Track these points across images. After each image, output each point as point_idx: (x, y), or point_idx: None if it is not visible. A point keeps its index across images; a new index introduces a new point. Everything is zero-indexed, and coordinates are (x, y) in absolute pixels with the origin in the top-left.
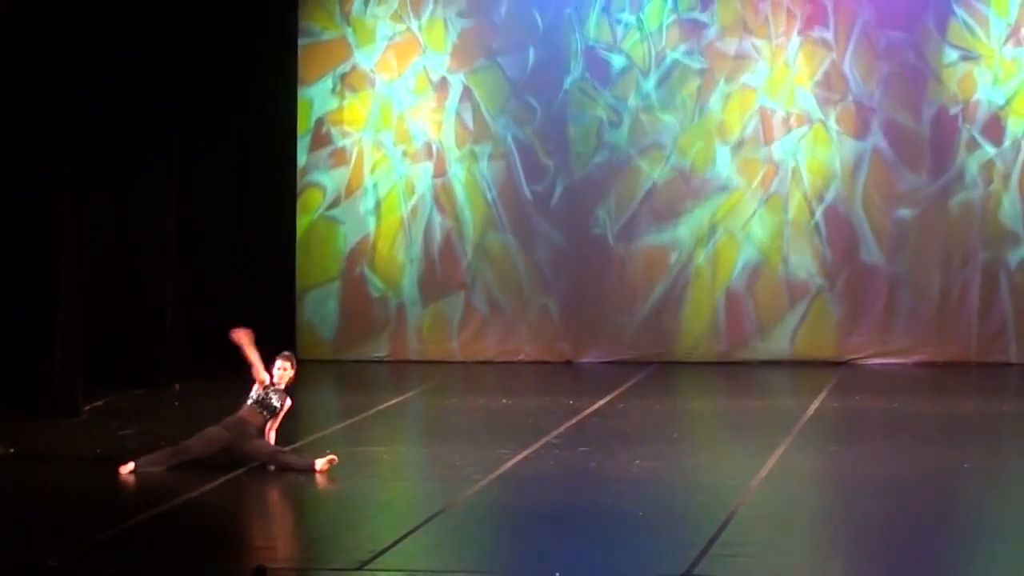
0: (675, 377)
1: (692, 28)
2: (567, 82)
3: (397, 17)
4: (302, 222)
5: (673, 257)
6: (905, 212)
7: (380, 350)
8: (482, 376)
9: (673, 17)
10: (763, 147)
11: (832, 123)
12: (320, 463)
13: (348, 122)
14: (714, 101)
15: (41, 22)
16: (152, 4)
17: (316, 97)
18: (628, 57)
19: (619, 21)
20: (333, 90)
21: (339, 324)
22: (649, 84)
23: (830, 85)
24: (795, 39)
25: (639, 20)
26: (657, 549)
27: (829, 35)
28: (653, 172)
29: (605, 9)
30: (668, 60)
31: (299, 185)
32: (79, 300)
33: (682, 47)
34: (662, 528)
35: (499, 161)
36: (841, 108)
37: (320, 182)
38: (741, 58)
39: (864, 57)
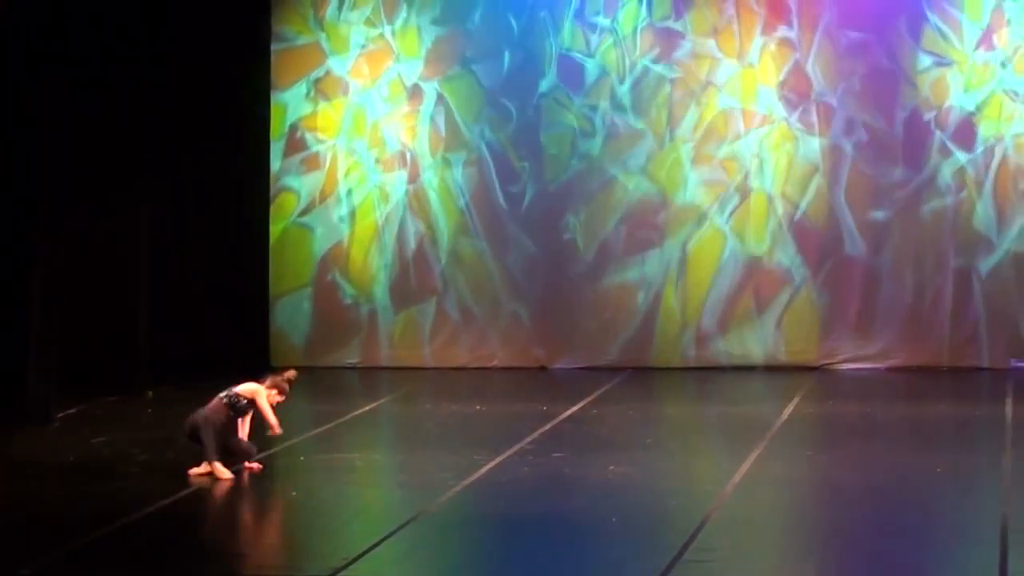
0: (649, 383)
1: (666, 36)
2: (542, 86)
3: (371, 23)
4: (275, 228)
5: (647, 263)
6: (878, 216)
7: (352, 357)
8: (455, 382)
9: (647, 23)
10: (727, 146)
11: (798, 124)
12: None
13: (322, 128)
14: (686, 106)
15: (10, 30)
16: (125, 10)
17: (290, 102)
18: (601, 65)
19: (593, 27)
20: (307, 95)
21: (310, 330)
22: (623, 90)
23: (796, 86)
24: (758, 40)
25: (613, 26)
26: (630, 555)
27: (793, 35)
28: (627, 181)
29: (579, 15)
30: (640, 67)
31: (272, 190)
32: (52, 308)
33: (654, 54)
34: (635, 534)
35: (472, 168)
36: (805, 109)
37: (293, 187)
38: (710, 61)
39: (832, 59)
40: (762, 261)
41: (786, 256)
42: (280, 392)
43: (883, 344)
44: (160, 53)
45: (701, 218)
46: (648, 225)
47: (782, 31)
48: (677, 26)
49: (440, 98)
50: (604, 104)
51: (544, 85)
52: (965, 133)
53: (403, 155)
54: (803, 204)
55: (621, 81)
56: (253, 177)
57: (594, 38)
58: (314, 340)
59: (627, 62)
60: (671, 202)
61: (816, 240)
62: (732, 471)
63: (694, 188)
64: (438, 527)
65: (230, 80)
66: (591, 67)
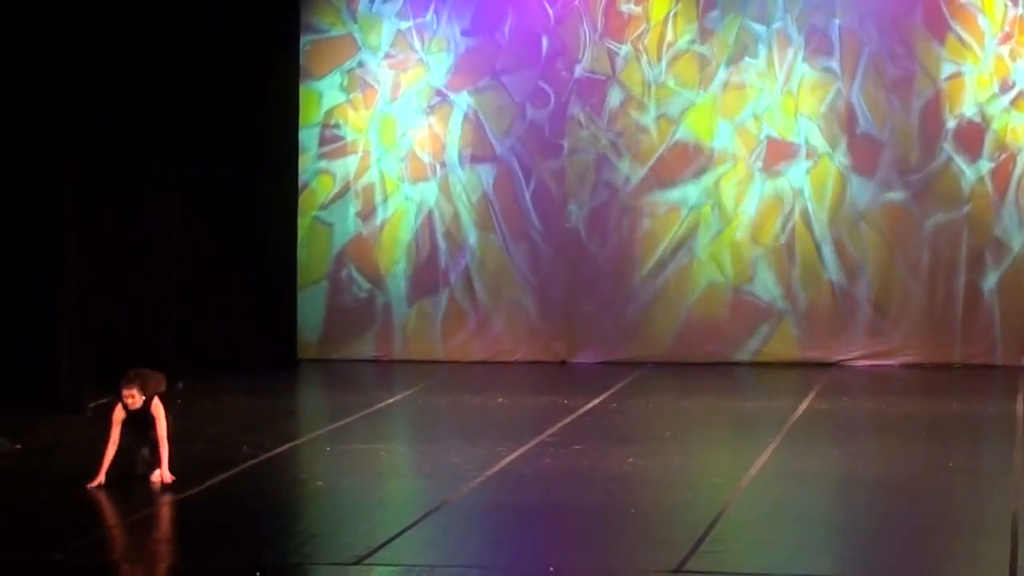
0: (667, 377)
1: (688, 58)
2: (569, 103)
3: (403, 16)
4: (303, 221)
5: (666, 261)
6: (893, 220)
7: (368, 350)
8: (477, 376)
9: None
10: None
11: (840, 155)
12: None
13: (353, 119)
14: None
15: (42, 24)
16: (155, 2)
17: (324, 91)
18: (624, 86)
19: (616, 51)
20: (340, 85)
21: (325, 324)
22: (649, 110)
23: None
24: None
25: (636, 48)
26: (648, 546)
27: (762, 64)
28: (649, 191)
29: (602, 34)
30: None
31: (306, 176)
32: (85, 301)
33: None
34: (653, 526)
35: (491, 166)
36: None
37: (326, 172)
38: (734, 87)
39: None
40: (781, 258)
41: (806, 254)
42: (137, 391)
43: (897, 341)
44: (189, 46)
45: (726, 221)
46: (669, 227)
47: (749, 64)
48: (703, 50)
49: (464, 100)
50: (626, 122)
51: (571, 103)
52: (978, 143)
53: (424, 152)
54: (822, 209)
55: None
56: (281, 168)
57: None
58: (329, 333)
59: (652, 81)
60: (702, 206)
61: (833, 239)
62: (748, 465)
63: (731, 199)
64: (461, 516)
65: (259, 72)
66: (614, 91)
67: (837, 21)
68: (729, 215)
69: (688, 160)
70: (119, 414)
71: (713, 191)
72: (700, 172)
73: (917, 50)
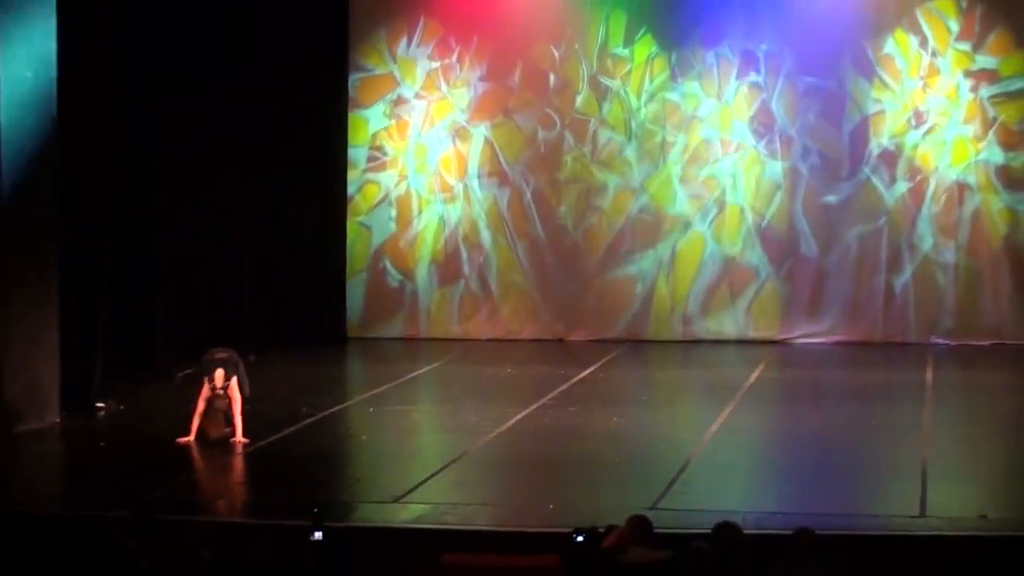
0: (645, 353)
1: (665, 101)
2: (565, 139)
3: (432, 58)
4: (350, 225)
5: (644, 260)
6: (827, 222)
7: (399, 330)
8: (490, 351)
9: (648, 90)
10: (707, 167)
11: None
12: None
13: (393, 140)
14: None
15: (136, 62)
16: (228, 48)
17: (371, 118)
18: (611, 126)
19: (607, 89)
20: (383, 114)
21: (365, 308)
22: (631, 146)
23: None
24: (733, 84)
25: (622, 92)
26: (630, 487)
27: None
28: (629, 200)
29: (592, 80)
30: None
31: (356, 185)
32: (176, 290)
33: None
34: (633, 471)
35: (502, 183)
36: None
37: (372, 182)
38: (694, 111)
39: (791, 98)
40: (736, 258)
41: (756, 254)
42: (223, 374)
43: (830, 323)
44: (262, 84)
45: (686, 225)
46: (646, 232)
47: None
48: (673, 96)
49: (481, 127)
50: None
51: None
52: (896, 159)
53: (448, 169)
54: (769, 211)
55: (628, 139)
56: (334, 181)
57: (606, 104)
58: (369, 315)
59: (633, 123)
60: (664, 213)
61: (779, 241)
62: (710, 422)
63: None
64: (478, 464)
65: (318, 103)
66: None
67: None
68: (692, 223)
69: (656, 176)
70: (206, 391)
71: (681, 200)
72: (667, 187)
73: (847, 86)
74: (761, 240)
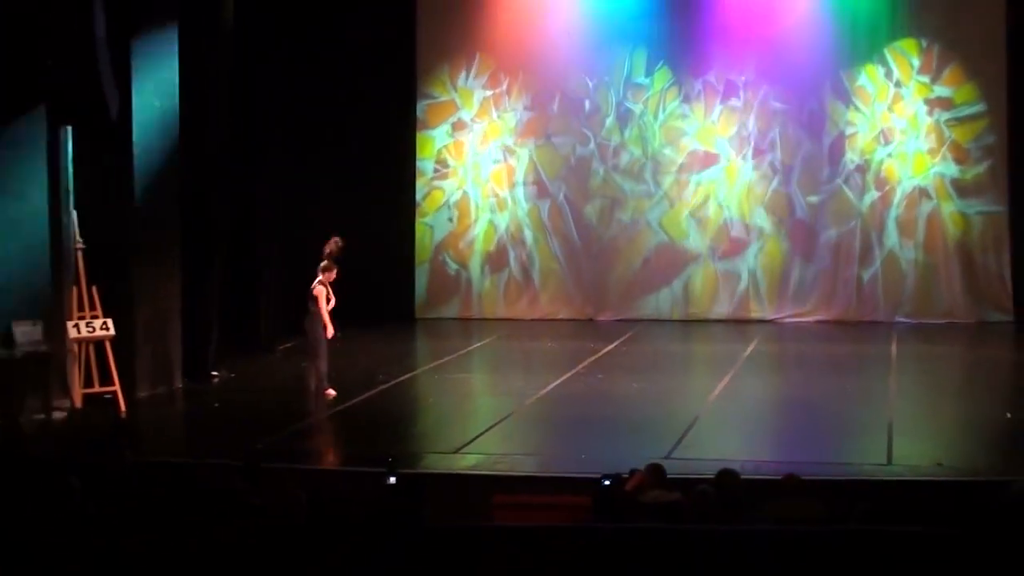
0: (660, 330)
1: (675, 130)
2: (594, 162)
3: (487, 87)
4: (418, 224)
5: (661, 252)
6: (808, 219)
7: (454, 311)
8: (532, 329)
9: (661, 118)
10: (709, 176)
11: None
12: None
13: (454, 155)
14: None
15: (243, 92)
16: (321, 80)
17: (436, 137)
18: (631, 151)
19: (630, 112)
20: (446, 133)
21: (427, 292)
22: (648, 160)
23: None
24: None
25: (643, 114)
26: (647, 441)
27: (740, 103)
28: (643, 203)
29: (619, 105)
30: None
31: (425, 190)
32: (275, 277)
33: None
34: (649, 427)
35: (542, 192)
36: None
37: (431, 195)
38: (698, 128)
39: (766, 115)
40: (732, 251)
41: (748, 247)
42: (328, 270)
43: (812, 305)
44: (345, 112)
45: (697, 224)
46: (661, 232)
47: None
48: (684, 125)
49: (529, 155)
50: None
51: (595, 163)
52: (866, 173)
53: (503, 181)
54: (759, 210)
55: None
56: (405, 188)
57: (629, 126)
58: (431, 299)
59: (649, 151)
60: (676, 216)
61: (768, 234)
62: (713, 387)
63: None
64: (523, 422)
65: (393, 124)
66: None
67: (772, 96)
68: (699, 225)
69: (671, 185)
70: (326, 289)
71: (688, 207)
72: (679, 194)
73: (827, 107)
74: (750, 236)
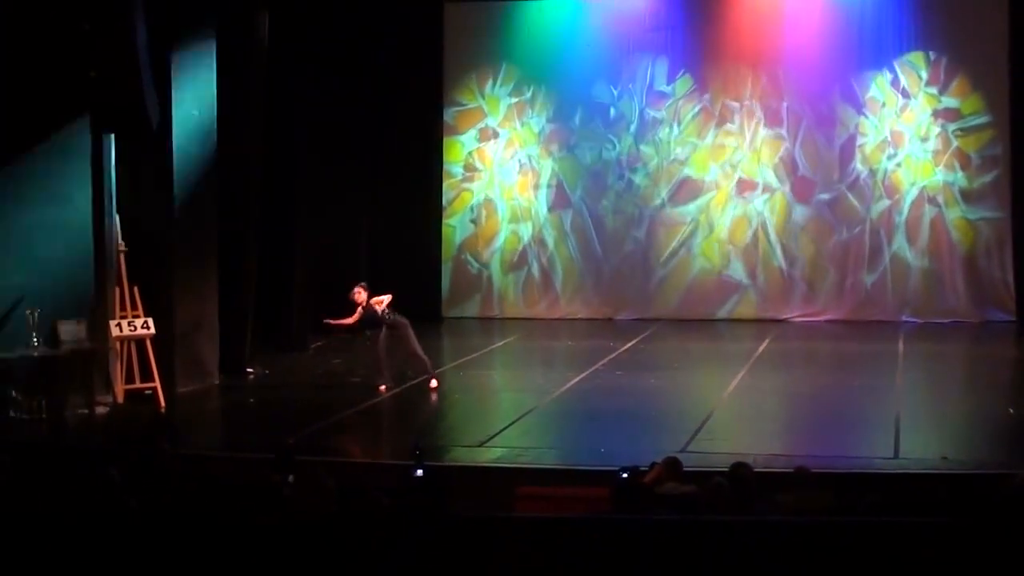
0: (676, 328)
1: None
2: (611, 177)
3: (513, 95)
4: (445, 225)
5: (674, 255)
6: (819, 231)
7: (476, 310)
8: (552, 327)
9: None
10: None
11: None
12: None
13: (481, 159)
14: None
15: (279, 100)
16: (354, 89)
17: (465, 141)
18: (648, 174)
19: (652, 119)
20: (474, 138)
21: (450, 291)
22: (666, 164)
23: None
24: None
25: (664, 121)
26: (664, 434)
27: (734, 128)
28: (662, 214)
29: (642, 113)
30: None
31: (454, 192)
32: (306, 276)
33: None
34: (667, 421)
35: (562, 195)
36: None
37: (458, 197)
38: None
39: (794, 120)
40: (746, 252)
41: (762, 250)
42: (361, 289)
43: (822, 305)
44: (380, 121)
45: (712, 230)
46: (677, 236)
47: (728, 127)
48: (702, 132)
49: (551, 166)
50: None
51: (614, 177)
52: (873, 183)
53: (526, 187)
54: (776, 215)
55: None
56: (433, 191)
57: (650, 132)
58: (453, 297)
59: (665, 167)
60: (688, 220)
61: (782, 238)
62: (728, 383)
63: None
64: (545, 416)
65: (424, 129)
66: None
67: (785, 103)
68: (714, 226)
69: (688, 190)
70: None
71: (704, 209)
72: (695, 197)
73: (838, 113)
74: (768, 245)
